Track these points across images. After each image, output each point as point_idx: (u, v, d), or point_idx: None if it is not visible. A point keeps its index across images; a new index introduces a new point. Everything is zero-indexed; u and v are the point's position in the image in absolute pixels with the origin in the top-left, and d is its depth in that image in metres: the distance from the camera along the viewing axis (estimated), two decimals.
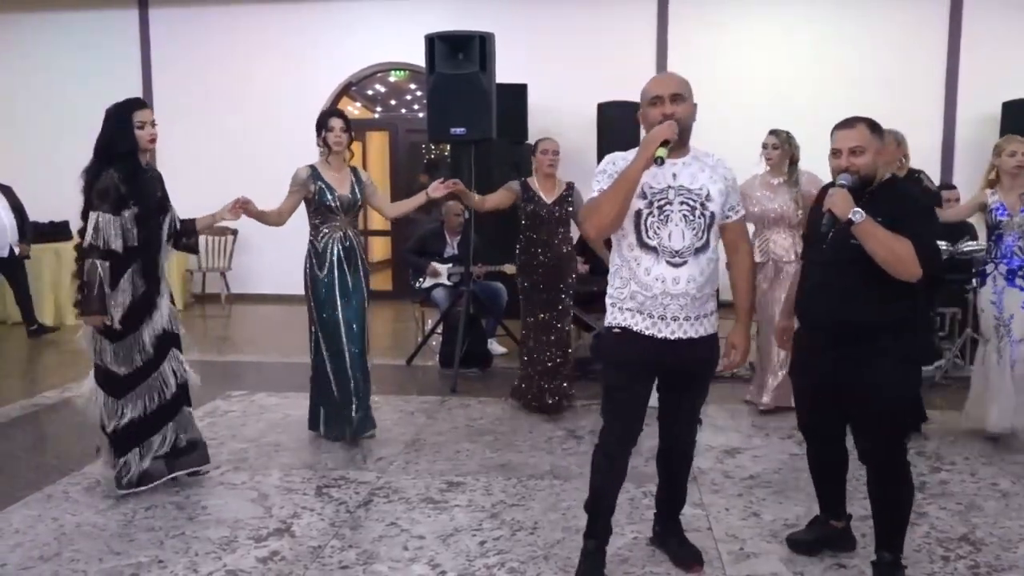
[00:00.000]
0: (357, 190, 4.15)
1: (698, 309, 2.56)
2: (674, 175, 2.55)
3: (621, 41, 8.36)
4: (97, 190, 3.24)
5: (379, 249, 11.85)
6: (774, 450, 4.08)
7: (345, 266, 4.09)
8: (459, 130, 5.57)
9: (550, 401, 4.67)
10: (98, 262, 3.23)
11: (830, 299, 2.61)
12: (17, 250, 7.06)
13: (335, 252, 4.08)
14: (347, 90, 9.49)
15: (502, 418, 4.65)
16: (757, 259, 4.82)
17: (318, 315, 4.10)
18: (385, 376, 5.80)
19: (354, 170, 4.22)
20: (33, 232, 7.34)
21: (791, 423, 4.41)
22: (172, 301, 3.56)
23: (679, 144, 2.54)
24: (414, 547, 2.98)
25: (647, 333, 2.54)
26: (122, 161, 3.27)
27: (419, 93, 10.21)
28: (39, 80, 9.41)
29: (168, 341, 3.46)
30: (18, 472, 3.85)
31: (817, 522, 2.95)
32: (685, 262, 2.51)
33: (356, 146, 13.03)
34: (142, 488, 3.44)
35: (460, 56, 5.65)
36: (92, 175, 3.27)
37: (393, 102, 10.76)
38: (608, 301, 2.67)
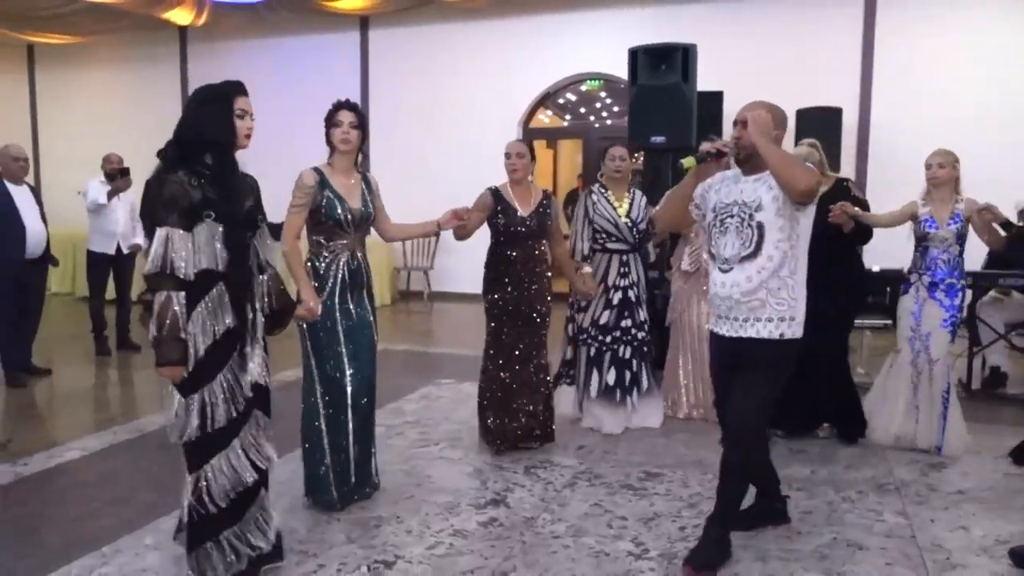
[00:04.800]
0: (369, 200, 3.39)
1: (747, 313, 2.80)
2: (741, 190, 2.85)
3: (824, 46, 8.16)
4: (164, 199, 2.45)
5: None
6: (986, 468, 3.93)
7: (349, 293, 3.33)
8: (659, 138, 5.76)
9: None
10: (173, 294, 2.42)
11: None
12: None
13: (340, 275, 3.30)
14: (544, 100, 9.93)
15: (693, 417, 4.77)
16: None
17: (318, 367, 3.28)
18: None
19: (364, 176, 3.45)
20: None
21: (1006, 443, 4.20)
22: (265, 348, 2.71)
23: (754, 163, 2.82)
24: (618, 526, 3.23)
25: (715, 331, 2.95)
26: (210, 154, 2.54)
27: (609, 101, 10.49)
28: (270, 103, 10.59)
29: (255, 401, 2.65)
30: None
31: None
32: (731, 268, 2.82)
33: (548, 153, 13.16)
34: None
35: (662, 67, 5.84)
36: (157, 181, 2.49)
37: (582, 110, 11.10)
38: None
